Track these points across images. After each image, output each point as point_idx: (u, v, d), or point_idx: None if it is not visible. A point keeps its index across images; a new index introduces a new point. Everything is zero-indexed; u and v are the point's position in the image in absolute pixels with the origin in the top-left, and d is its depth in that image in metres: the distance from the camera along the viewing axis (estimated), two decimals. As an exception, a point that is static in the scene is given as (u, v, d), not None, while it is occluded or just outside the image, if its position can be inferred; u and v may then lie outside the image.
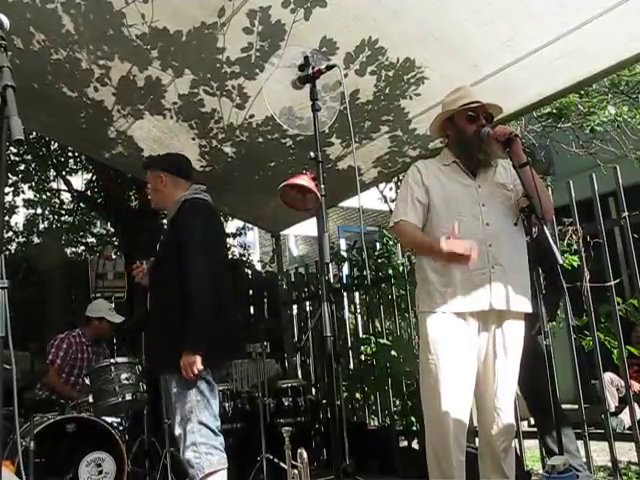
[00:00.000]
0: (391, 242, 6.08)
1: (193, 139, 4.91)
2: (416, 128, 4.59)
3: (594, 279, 4.21)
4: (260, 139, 4.85)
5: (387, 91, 4.20)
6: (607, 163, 6.48)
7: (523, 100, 4.26)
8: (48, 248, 8.86)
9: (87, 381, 4.51)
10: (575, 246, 4.36)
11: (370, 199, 8.35)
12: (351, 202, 6.27)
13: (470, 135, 3.06)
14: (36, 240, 9.70)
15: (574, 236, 4.32)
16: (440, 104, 3.33)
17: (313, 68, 2.54)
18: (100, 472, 4.10)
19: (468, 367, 2.97)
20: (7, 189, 8.95)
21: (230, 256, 8.78)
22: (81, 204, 9.71)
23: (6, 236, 9.19)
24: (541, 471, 4.07)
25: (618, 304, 4.16)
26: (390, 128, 4.65)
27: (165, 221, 3.56)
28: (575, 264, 4.37)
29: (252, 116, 4.55)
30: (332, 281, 6.23)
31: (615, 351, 4.32)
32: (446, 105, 3.19)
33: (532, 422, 5.33)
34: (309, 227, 6.94)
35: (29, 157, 9.26)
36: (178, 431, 3.11)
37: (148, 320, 3.41)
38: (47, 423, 4.05)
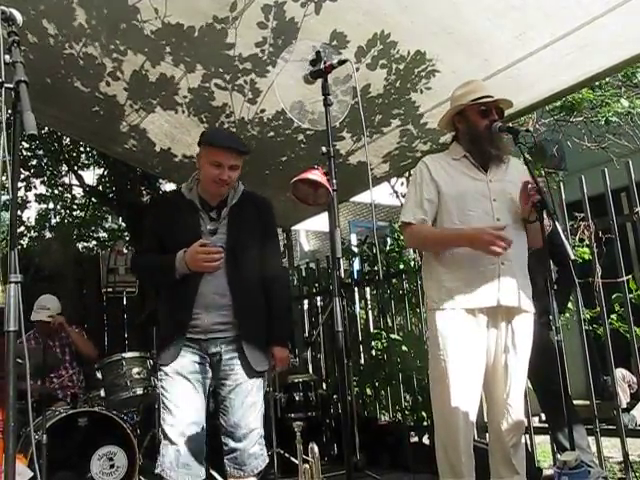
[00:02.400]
0: (402, 237, 6.07)
1: (204, 134, 4.91)
2: (427, 122, 4.58)
3: (606, 275, 4.19)
4: (271, 134, 4.85)
5: (398, 84, 4.19)
6: (620, 157, 6.44)
7: (534, 95, 4.24)
8: (60, 243, 8.90)
9: (99, 375, 4.53)
10: (587, 241, 4.34)
11: (381, 194, 8.31)
12: (362, 197, 6.25)
13: (482, 130, 3.04)
14: (48, 235, 9.75)
15: (586, 232, 4.30)
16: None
17: (325, 63, 2.53)
18: (112, 466, 4.13)
19: (477, 363, 2.97)
20: (19, 184, 9.00)
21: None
22: (93, 199, 9.75)
23: (18, 231, 9.24)
24: (552, 467, 4.06)
25: (630, 292, 4.13)
26: (401, 122, 4.64)
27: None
28: (586, 256, 4.35)
29: (263, 111, 4.55)
30: (343, 276, 6.23)
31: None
32: (456, 99, 3.17)
33: (543, 418, 5.33)
34: (320, 222, 6.94)
35: (41, 152, 9.31)
36: (254, 425, 3.02)
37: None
38: (59, 417, 4.09)
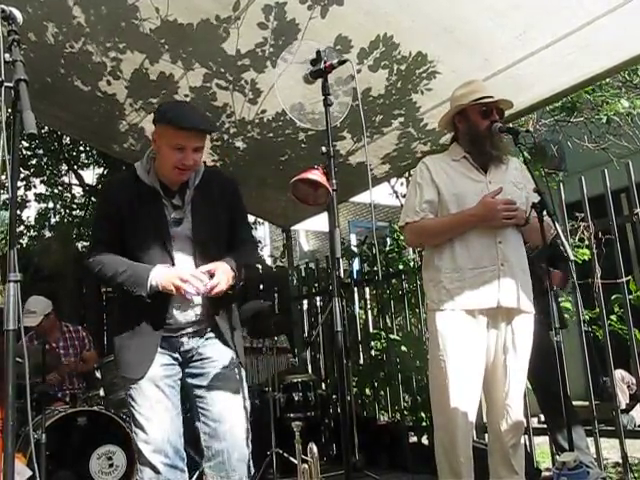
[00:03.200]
0: (402, 237, 6.07)
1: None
2: (427, 123, 4.58)
3: (605, 276, 4.19)
4: (271, 134, 4.85)
5: (399, 85, 4.19)
6: (620, 158, 6.44)
7: (535, 95, 4.24)
8: (59, 242, 8.89)
9: (98, 375, 4.53)
10: (587, 242, 4.34)
11: (381, 194, 8.32)
12: (362, 197, 6.25)
13: (482, 130, 3.04)
14: (48, 234, 9.75)
15: (585, 232, 4.30)
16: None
17: (325, 63, 2.53)
18: (111, 465, 4.13)
19: (477, 364, 2.97)
20: (19, 183, 9.00)
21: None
22: (92, 198, 9.75)
23: (18, 230, 9.24)
24: (551, 467, 4.06)
25: (629, 293, 4.13)
26: (401, 123, 4.64)
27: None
28: (586, 257, 4.35)
29: (264, 111, 4.55)
30: (343, 276, 6.23)
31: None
32: (457, 98, 3.17)
33: (542, 418, 5.33)
34: (320, 222, 6.94)
35: (41, 151, 9.31)
36: (238, 417, 2.67)
37: None
38: (59, 416, 4.09)
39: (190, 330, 2.69)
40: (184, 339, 2.68)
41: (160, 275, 2.54)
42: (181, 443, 2.62)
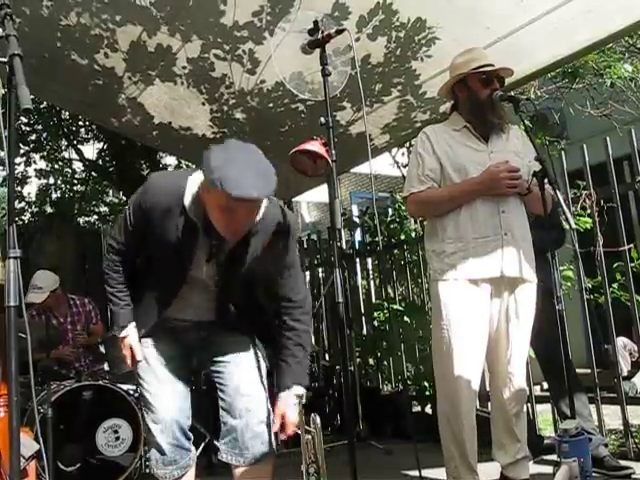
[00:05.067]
0: (403, 207, 6.05)
1: (203, 104, 4.87)
2: (427, 91, 4.54)
3: (607, 244, 4.18)
4: (271, 105, 4.81)
5: (398, 52, 4.14)
6: (623, 125, 6.39)
7: (537, 63, 4.19)
8: (61, 218, 8.90)
9: (102, 349, 4.55)
10: (589, 210, 4.32)
11: (382, 164, 8.28)
12: (363, 168, 6.23)
13: (483, 98, 3.02)
14: (49, 210, 9.75)
15: (587, 200, 4.28)
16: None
17: (322, 32, 2.51)
18: (117, 438, 4.16)
19: (480, 333, 2.98)
20: (19, 159, 8.99)
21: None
22: (93, 173, 9.74)
23: (19, 206, 9.25)
24: (553, 435, 4.09)
25: (631, 261, 4.13)
26: (401, 92, 4.59)
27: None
28: (588, 226, 4.34)
29: (263, 81, 4.51)
30: (344, 247, 6.22)
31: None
32: (457, 67, 3.13)
33: (544, 387, 5.36)
34: (321, 193, 6.91)
35: (40, 127, 9.27)
36: (257, 390, 2.56)
37: None
38: (64, 391, 4.11)
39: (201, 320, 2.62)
40: (196, 332, 2.62)
41: (127, 335, 2.53)
42: (188, 424, 2.60)
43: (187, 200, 2.30)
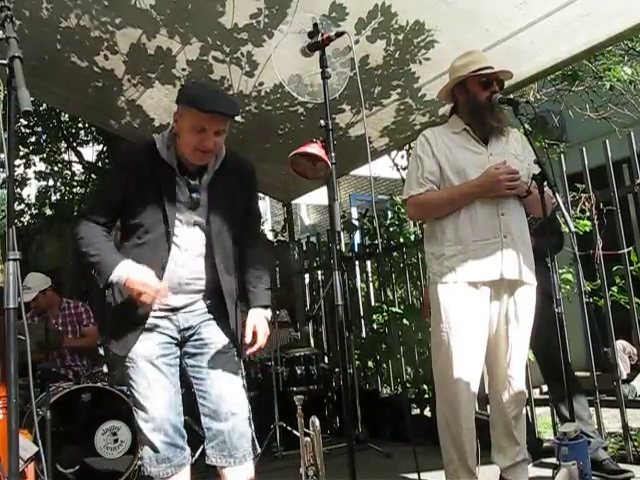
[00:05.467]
0: (402, 210, 6.05)
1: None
2: (426, 94, 4.54)
3: (607, 247, 4.18)
4: (270, 107, 4.81)
5: (397, 55, 4.15)
6: (622, 128, 6.39)
7: (536, 65, 4.19)
8: (60, 220, 8.89)
9: (101, 351, 4.55)
10: (588, 213, 4.32)
11: (381, 167, 8.28)
12: (362, 170, 6.23)
13: (482, 101, 3.01)
14: (48, 212, 9.75)
15: (587, 203, 4.28)
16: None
17: (322, 35, 2.50)
18: (116, 440, 4.16)
19: (479, 335, 2.98)
20: (18, 161, 8.98)
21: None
22: (92, 175, 9.73)
23: (18, 208, 9.24)
24: (553, 438, 4.09)
25: (631, 264, 4.13)
26: (400, 94, 4.60)
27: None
28: (587, 229, 4.34)
29: (262, 84, 4.52)
30: (344, 250, 6.22)
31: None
32: (456, 69, 3.13)
33: (544, 389, 5.36)
34: (320, 196, 6.91)
35: (40, 129, 9.27)
36: (239, 397, 2.63)
37: None
38: (63, 393, 4.11)
39: (187, 310, 2.63)
40: (183, 316, 2.62)
41: (126, 272, 2.43)
42: (181, 421, 2.60)
43: (159, 145, 2.56)
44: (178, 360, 2.66)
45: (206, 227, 2.59)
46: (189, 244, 2.59)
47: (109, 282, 2.46)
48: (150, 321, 2.56)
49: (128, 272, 2.43)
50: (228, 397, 2.57)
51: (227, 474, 2.57)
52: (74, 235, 2.59)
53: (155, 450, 2.53)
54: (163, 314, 2.59)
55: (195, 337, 2.65)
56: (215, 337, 2.64)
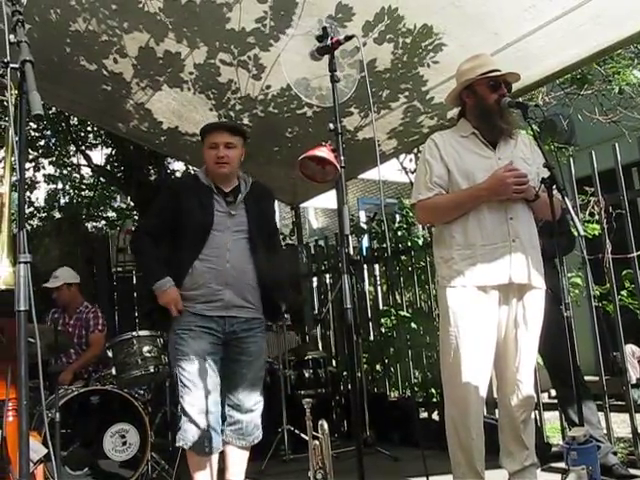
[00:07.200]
0: (411, 213, 6.05)
1: (211, 110, 4.89)
2: (434, 97, 4.54)
3: (616, 250, 4.16)
4: (277, 110, 4.82)
5: (405, 59, 4.15)
6: (632, 131, 6.37)
7: (545, 69, 4.18)
8: (69, 223, 8.92)
9: (109, 354, 4.56)
10: (597, 217, 4.31)
11: (390, 171, 8.28)
12: (371, 174, 6.22)
13: (491, 104, 3.01)
14: (57, 215, 9.79)
15: (596, 207, 4.27)
16: (459, 73, 3.28)
17: (332, 39, 2.50)
18: (124, 443, 4.17)
19: (488, 339, 2.97)
20: (27, 165, 9.01)
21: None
22: (101, 179, 9.77)
23: (27, 212, 9.28)
24: (561, 442, 4.07)
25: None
26: (408, 98, 4.60)
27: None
28: (596, 232, 4.32)
29: (269, 87, 4.52)
30: (352, 253, 6.22)
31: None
32: (464, 73, 3.13)
33: (552, 394, 5.34)
34: (329, 199, 6.92)
35: (49, 132, 9.30)
36: (259, 397, 3.36)
37: None
38: (72, 395, 4.12)
39: (235, 313, 3.25)
40: (227, 320, 3.24)
41: (162, 292, 3.21)
42: (219, 410, 3.19)
43: (199, 173, 3.44)
44: (220, 360, 3.25)
45: (246, 231, 3.31)
46: (235, 252, 3.27)
47: (154, 285, 3.22)
48: (202, 323, 3.20)
49: (169, 289, 3.21)
50: (252, 398, 3.29)
51: (229, 450, 3.29)
52: (134, 252, 3.62)
53: (199, 428, 3.09)
54: (216, 313, 3.22)
55: (236, 343, 3.28)
56: (253, 348, 3.31)
